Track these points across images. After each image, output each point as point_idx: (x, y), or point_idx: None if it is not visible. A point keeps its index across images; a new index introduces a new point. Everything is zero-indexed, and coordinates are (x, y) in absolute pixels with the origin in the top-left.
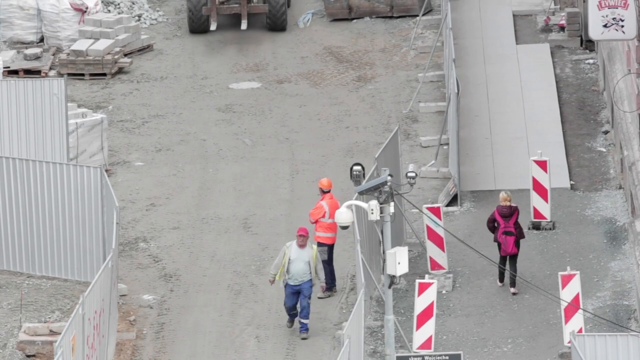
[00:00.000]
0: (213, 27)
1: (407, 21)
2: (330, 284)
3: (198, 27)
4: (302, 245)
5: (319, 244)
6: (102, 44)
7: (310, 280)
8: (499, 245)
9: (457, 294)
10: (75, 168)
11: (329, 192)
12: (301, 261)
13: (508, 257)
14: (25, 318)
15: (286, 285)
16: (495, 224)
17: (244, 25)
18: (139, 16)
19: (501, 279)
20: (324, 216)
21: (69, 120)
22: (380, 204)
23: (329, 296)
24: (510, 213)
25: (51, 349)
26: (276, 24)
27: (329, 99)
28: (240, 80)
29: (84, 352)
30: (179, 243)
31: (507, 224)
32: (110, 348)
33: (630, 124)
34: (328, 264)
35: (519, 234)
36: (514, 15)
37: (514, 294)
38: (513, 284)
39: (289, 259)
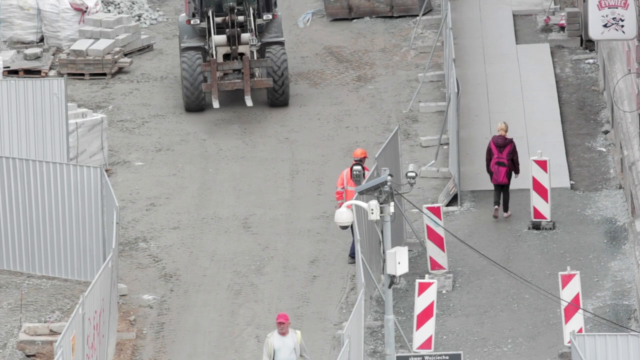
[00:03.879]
0: (216, 105)
1: (407, 21)
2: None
3: (195, 105)
4: (283, 333)
5: None
6: (102, 44)
7: None
8: (491, 174)
9: (457, 294)
10: (75, 168)
11: (357, 162)
12: (286, 349)
13: (500, 186)
14: (25, 318)
15: None
16: (491, 154)
17: (249, 102)
18: (139, 16)
19: (496, 203)
20: (342, 185)
21: (69, 120)
22: (380, 204)
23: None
24: (504, 144)
25: (51, 349)
26: (278, 99)
27: (329, 99)
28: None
29: (84, 352)
30: (179, 243)
31: (500, 155)
32: (110, 348)
33: (630, 124)
34: None
35: (513, 168)
36: (514, 15)
37: (507, 217)
38: (506, 208)
39: (274, 349)
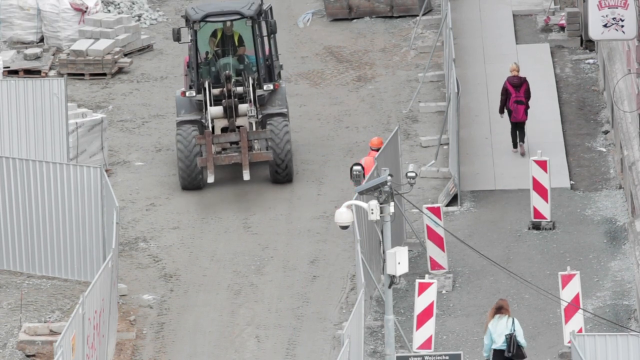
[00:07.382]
0: (210, 179)
1: (407, 21)
2: None
3: (191, 182)
4: None
5: None
6: (102, 44)
7: None
8: (510, 112)
9: (457, 294)
10: (75, 168)
11: (376, 150)
12: None
13: (518, 124)
14: (25, 318)
15: None
16: (507, 94)
17: (246, 176)
18: (139, 16)
19: (515, 145)
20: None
21: (69, 120)
22: (380, 204)
23: None
24: (520, 83)
25: (51, 349)
26: (281, 175)
27: (329, 99)
28: None
29: (84, 352)
30: (179, 243)
31: (518, 94)
32: (110, 348)
33: (630, 124)
34: None
35: (527, 104)
36: (514, 15)
37: (522, 154)
38: (522, 140)
39: None
